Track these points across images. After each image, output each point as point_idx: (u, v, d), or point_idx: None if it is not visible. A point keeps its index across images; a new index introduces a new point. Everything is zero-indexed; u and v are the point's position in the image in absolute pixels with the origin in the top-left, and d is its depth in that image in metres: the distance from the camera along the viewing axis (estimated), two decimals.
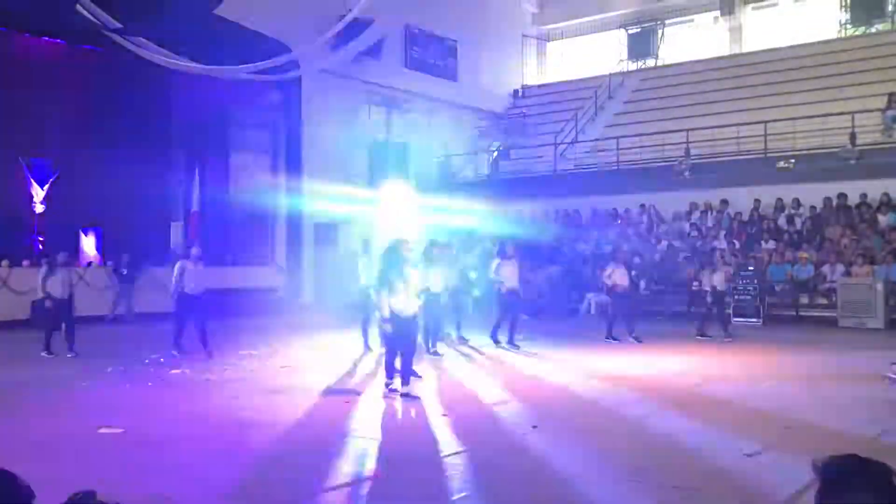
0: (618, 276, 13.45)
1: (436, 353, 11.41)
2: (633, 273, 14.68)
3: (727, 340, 13.30)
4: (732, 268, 16.44)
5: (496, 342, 12.48)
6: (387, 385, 8.41)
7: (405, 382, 8.24)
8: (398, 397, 8.15)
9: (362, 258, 12.51)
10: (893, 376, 7.84)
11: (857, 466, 1.79)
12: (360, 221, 22.22)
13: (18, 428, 6.86)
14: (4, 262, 16.49)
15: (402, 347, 8.25)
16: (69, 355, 11.31)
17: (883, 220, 18.06)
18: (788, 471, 5.27)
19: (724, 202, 20.61)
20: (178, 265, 11.84)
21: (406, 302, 8.16)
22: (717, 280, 13.83)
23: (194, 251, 12.08)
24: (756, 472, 5.38)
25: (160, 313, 17.06)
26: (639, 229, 21.66)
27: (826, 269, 17.06)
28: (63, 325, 11.62)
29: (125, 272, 17.28)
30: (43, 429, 6.80)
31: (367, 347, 11.90)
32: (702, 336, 13.61)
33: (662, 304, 18.22)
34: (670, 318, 17.10)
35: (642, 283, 14.30)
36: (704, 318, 13.93)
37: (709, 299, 13.74)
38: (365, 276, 11.90)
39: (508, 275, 12.48)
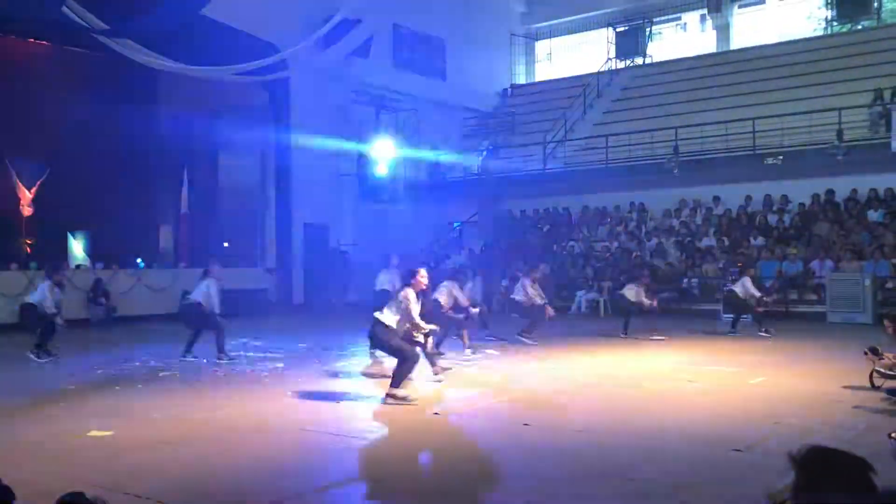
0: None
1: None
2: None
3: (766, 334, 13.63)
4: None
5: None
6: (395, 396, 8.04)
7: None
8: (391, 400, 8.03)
9: (385, 270, 13.45)
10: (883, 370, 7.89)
11: (834, 460, 1.77)
12: (349, 221, 22.23)
13: (8, 430, 6.83)
14: None
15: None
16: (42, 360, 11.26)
17: (871, 215, 18.15)
18: (777, 466, 5.29)
19: (717, 199, 20.72)
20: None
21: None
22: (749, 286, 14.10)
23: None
24: (745, 468, 5.40)
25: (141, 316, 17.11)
26: (628, 227, 21.74)
27: (815, 264, 17.15)
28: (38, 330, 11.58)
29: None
30: (33, 431, 6.77)
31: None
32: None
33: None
34: (660, 316, 17.19)
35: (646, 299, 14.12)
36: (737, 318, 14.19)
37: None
38: (385, 284, 12.82)
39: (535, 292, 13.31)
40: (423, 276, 8.33)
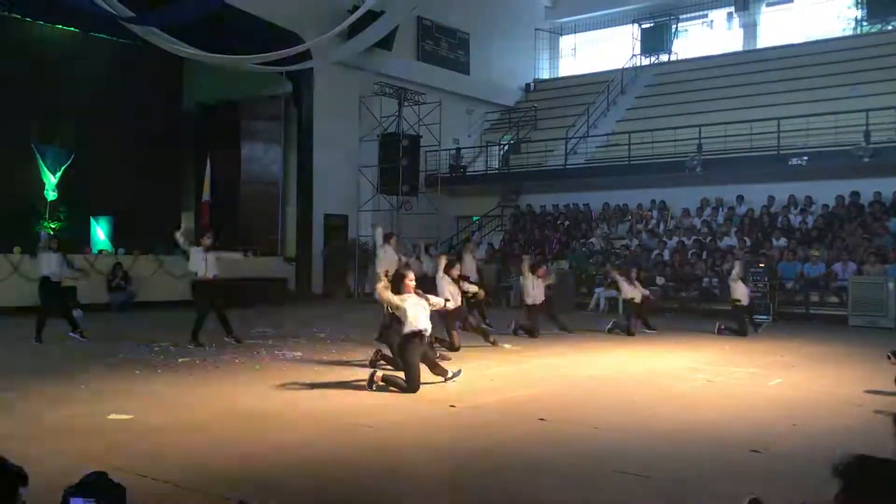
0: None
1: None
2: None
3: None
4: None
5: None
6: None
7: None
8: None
9: (380, 249, 13.03)
10: None
11: (879, 468, 1.75)
12: (369, 213, 22.26)
13: (29, 411, 6.91)
14: (16, 249, 16.59)
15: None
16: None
17: (889, 225, 17.85)
18: (795, 467, 5.27)
19: (740, 198, 20.54)
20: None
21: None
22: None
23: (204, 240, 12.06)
24: (764, 469, 5.36)
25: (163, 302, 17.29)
26: (649, 224, 21.61)
27: (837, 267, 16.97)
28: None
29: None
30: (53, 413, 6.84)
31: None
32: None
33: (675, 300, 18.27)
34: (681, 314, 17.14)
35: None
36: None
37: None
38: (382, 265, 12.48)
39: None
40: (410, 280, 8.42)
